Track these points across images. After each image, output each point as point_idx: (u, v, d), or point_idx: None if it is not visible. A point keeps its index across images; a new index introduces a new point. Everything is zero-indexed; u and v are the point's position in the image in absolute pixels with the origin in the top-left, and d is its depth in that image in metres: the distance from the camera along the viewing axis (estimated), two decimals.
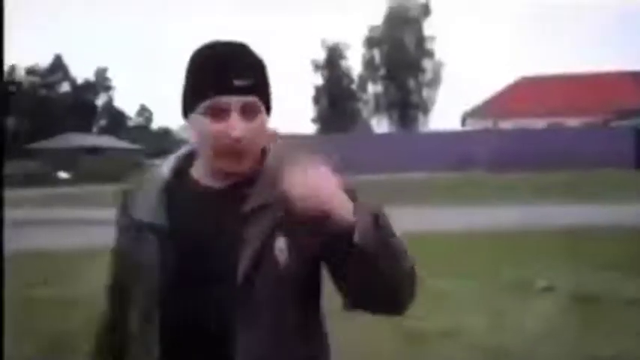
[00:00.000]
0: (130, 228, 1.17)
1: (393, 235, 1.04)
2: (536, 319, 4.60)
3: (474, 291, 5.52)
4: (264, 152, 1.18)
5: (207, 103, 1.10)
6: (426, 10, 48.83)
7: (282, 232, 1.10)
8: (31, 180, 29.34)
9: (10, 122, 55.50)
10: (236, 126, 1.08)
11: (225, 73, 1.09)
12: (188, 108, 1.14)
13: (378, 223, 1.01)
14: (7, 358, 3.74)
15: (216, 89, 1.09)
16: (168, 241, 1.11)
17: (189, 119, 1.15)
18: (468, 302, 5.14)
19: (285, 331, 1.10)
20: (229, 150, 1.10)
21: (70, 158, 33.93)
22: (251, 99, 1.10)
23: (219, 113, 1.09)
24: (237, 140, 1.08)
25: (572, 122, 32.43)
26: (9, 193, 21.76)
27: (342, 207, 0.99)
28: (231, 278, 1.08)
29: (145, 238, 1.13)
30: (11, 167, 31.83)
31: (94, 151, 37.29)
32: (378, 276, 1.02)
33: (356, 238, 0.98)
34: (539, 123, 32.66)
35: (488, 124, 34.91)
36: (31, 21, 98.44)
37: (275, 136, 1.23)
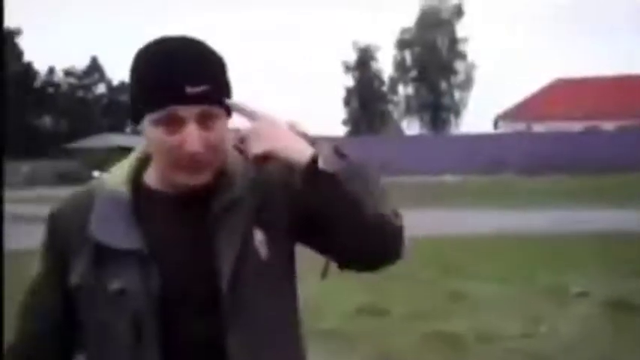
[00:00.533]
0: (87, 254, 1.03)
1: (361, 167, 1.00)
2: (571, 325, 4.52)
3: (509, 295, 5.46)
4: None
5: (159, 113, 0.98)
6: (458, 12, 48.42)
7: (258, 224, 1.04)
8: (67, 179, 30.02)
9: (48, 122, 56.91)
10: (193, 139, 0.97)
11: (177, 81, 0.97)
12: (138, 115, 1.03)
13: (339, 152, 0.99)
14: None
15: (169, 99, 0.97)
16: (148, 263, 1.01)
17: (140, 126, 1.04)
18: (503, 306, 5.09)
19: (273, 327, 1.06)
20: (187, 164, 0.99)
21: (104, 157, 34.59)
22: (207, 107, 0.98)
23: (173, 124, 0.98)
24: (195, 154, 0.98)
25: (608, 126, 31.76)
26: (45, 192, 22.29)
27: (297, 142, 1.00)
28: (214, 285, 1.00)
29: (122, 263, 1.01)
30: (48, 166, 32.64)
31: (127, 150, 37.86)
32: (357, 209, 0.96)
33: (320, 163, 0.95)
34: (574, 126, 32.06)
35: (521, 127, 34.42)
36: (69, 24, 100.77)
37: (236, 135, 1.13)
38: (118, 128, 57.04)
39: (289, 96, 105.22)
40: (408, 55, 50.11)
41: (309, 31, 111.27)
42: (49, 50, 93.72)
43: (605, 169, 23.07)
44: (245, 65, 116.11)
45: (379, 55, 51.68)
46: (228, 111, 1.04)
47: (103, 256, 1.02)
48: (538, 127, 33.23)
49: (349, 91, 50.98)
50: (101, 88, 62.83)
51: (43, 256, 1.10)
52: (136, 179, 1.08)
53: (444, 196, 15.22)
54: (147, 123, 1.01)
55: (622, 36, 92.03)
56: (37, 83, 56.03)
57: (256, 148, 1.00)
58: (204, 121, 0.99)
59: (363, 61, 50.77)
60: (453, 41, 48.92)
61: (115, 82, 63.56)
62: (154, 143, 1.02)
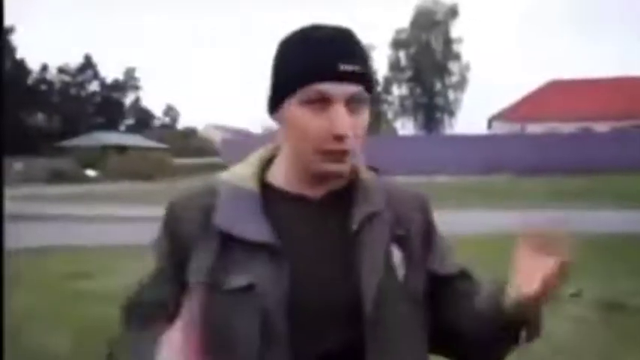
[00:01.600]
0: (213, 245, 0.96)
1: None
2: (563, 325, 4.53)
3: None
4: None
5: (306, 91, 0.92)
6: (453, 12, 48.53)
7: (396, 243, 1.01)
8: (59, 177, 29.87)
9: (41, 120, 56.64)
10: (343, 120, 0.91)
11: (331, 57, 0.91)
12: (279, 100, 0.97)
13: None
14: (39, 347, 3.82)
15: (320, 74, 0.91)
16: (281, 259, 0.94)
17: (277, 114, 0.99)
18: None
19: (406, 350, 1.00)
20: (332, 148, 0.93)
21: (97, 156, 34.46)
22: (358, 89, 0.93)
23: (320, 104, 0.92)
24: (341, 138, 0.92)
25: (602, 127, 31.90)
26: (37, 190, 22.26)
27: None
28: (354, 304, 0.94)
29: (248, 258, 0.94)
30: (41, 164, 32.47)
31: (121, 149, 37.80)
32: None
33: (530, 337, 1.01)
34: (568, 127, 32.19)
35: (515, 128, 34.52)
36: (63, 21, 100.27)
37: None
38: (111, 126, 56.90)
39: None
40: (402, 56, 50.19)
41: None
42: (42, 47, 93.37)
43: (599, 171, 23.19)
44: (240, 64, 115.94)
45: (374, 54, 51.68)
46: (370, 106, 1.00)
47: (230, 249, 0.95)
48: (532, 128, 33.33)
49: None
50: (94, 86, 62.61)
51: (159, 249, 1.05)
52: (260, 178, 1.03)
53: (437, 197, 15.20)
54: (290, 105, 0.94)
55: (617, 37, 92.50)
56: (30, 80, 55.73)
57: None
58: (353, 104, 0.94)
59: None
60: (448, 42, 49.04)
61: (109, 79, 63.40)
62: (298, 126, 0.94)
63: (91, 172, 32.46)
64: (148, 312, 1.03)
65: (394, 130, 49.08)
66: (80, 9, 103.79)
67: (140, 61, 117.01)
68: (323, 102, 0.92)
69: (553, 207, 13.41)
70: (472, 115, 77.31)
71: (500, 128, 35.33)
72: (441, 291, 1.08)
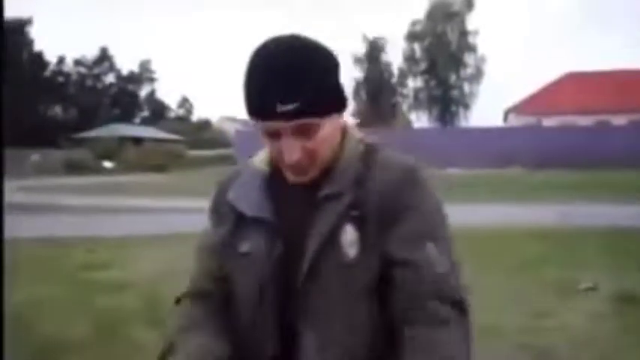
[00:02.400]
0: (231, 219, 1.16)
1: None
2: (578, 319, 4.51)
3: (516, 289, 5.45)
4: (342, 140, 1.14)
5: (259, 124, 1.05)
6: (469, 4, 48.09)
7: (353, 224, 1.06)
8: (76, 169, 30.15)
9: (58, 112, 57.11)
10: (289, 150, 1.03)
11: (269, 99, 1.00)
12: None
13: None
14: (57, 336, 3.88)
15: (261, 115, 1.03)
16: (274, 232, 1.11)
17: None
18: (509, 300, 5.08)
19: (343, 328, 1.05)
20: (289, 169, 1.08)
21: (113, 148, 34.71)
22: (302, 121, 1.01)
23: (272, 134, 1.05)
24: (293, 163, 1.05)
25: (619, 120, 31.50)
26: (54, 181, 22.41)
27: None
28: (299, 268, 1.06)
29: (252, 230, 1.12)
30: (58, 156, 32.78)
31: (136, 141, 38.04)
32: None
33: None
34: (584, 121, 31.83)
35: (531, 120, 34.21)
36: (80, 14, 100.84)
37: (348, 127, 1.18)
38: (126, 118, 57.30)
39: None
40: (417, 48, 49.86)
41: (319, 23, 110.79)
42: (59, 40, 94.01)
43: (616, 164, 22.92)
44: None
45: (389, 47, 51.48)
46: (338, 107, 1.08)
47: (241, 222, 1.14)
48: (548, 121, 33.01)
49: (358, 83, 50.83)
50: (110, 78, 63.04)
51: (209, 216, 1.25)
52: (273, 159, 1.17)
53: (452, 189, 15.17)
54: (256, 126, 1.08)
55: (634, 29, 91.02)
56: (47, 73, 56.20)
57: None
58: (302, 131, 1.03)
59: (373, 53, 50.57)
60: (463, 34, 48.62)
61: (125, 71, 63.79)
62: (266, 146, 1.12)
63: (107, 164, 32.74)
64: (202, 286, 1.21)
65: (409, 123, 48.87)
66: (97, 1, 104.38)
67: (155, 54, 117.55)
68: (274, 132, 1.04)
69: (567, 201, 13.30)
70: (488, 108, 76.81)
71: (516, 121, 35.05)
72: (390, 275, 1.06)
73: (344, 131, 1.16)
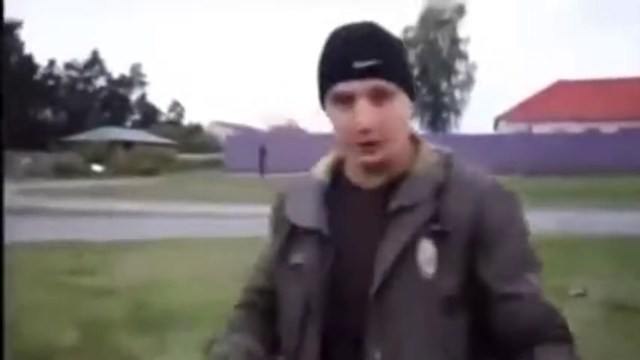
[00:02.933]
0: (285, 230, 1.11)
1: None
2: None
3: None
4: (416, 148, 1.10)
5: (332, 91, 1.01)
6: (460, 11, 48.37)
7: (432, 239, 0.99)
8: (66, 172, 29.97)
9: (48, 115, 56.84)
10: (362, 114, 0.98)
11: (344, 56, 0.99)
12: (321, 99, 1.07)
13: None
14: (44, 341, 3.83)
15: (337, 74, 0.99)
16: (327, 244, 1.05)
17: (326, 111, 1.08)
18: None
19: (422, 348, 0.97)
20: (359, 140, 1.00)
21: (104, 151, 34.55)
22: (378, 82, 0.98)
23: (346, 101, 1.00)
24: (366, 131, 0.99)
25: (608, 128, 31.77)
26: (43, 184, 22.28)
27: None
28: (366, 285, 1.00)
29: (304, 241, 1.08)
30: (48, 159, 32.59)
31: (127, 144, 37.90)
32: None
33: None
34: (575, 128, 32.06)
35: (521, 128, 34.40)
36: (70, 17, 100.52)
37: (417, 135, 1.13)
38: (117, 122, 57.05)
39: (290, 93, 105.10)
40: (409, 54, 50.08)
41: (310, 28, 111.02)
42: (49, 43, 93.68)
43: (606, 172, 23.09)
44: (247, 60, 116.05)
45: None
46: (410, 94, 1.05)
47: (294, 233, 1.09)
48: (538, 129, 33.22)
49: None
50: (101, 82, 62.78)
51: (269, 227, 1.21)
52: (337, 169, 1.14)
53: None
54: (328, 106, 1.04)
55: (626, 38, 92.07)
56: (37, 76, 55.91)
57: None
58: (378, 97, 0.99)
59: None
60: (455, 41, 48.87)
61: (116, 75, 63.56)
62: (333, 122, 1.05)
63: (97, 168, 32.57)
64: (249, 298, 1.23)
65: None
66: (87, 4, 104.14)
67: (147, 57, 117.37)
68: (349, 99, 0.99)
69: (557, 208, 13.37)
70: (478, 115, 77.17)
71: (507, 128, 35.23)
72: (493, 308, 0.99)
73: (415, 138, 1.11)
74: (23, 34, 55.44)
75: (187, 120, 68.33)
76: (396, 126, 1.02)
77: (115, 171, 31.39)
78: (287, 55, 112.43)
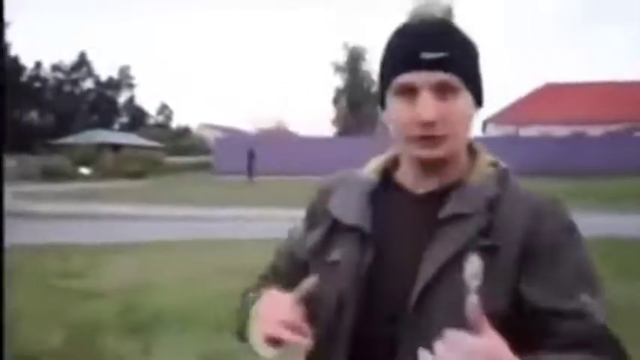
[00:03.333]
0: (325, 225, 1.07)
1: None
2: None
3: None
4: (472, 157, 1.06)
5: (395, 81, 0.98)
6: (449, 14, 48.52)
7: (480, 253, 0.93)
8: (53, 175, 29.74)
9: (35, 117, 56.37)
10: (425, 106, 0.94)
11: (412, 46, 0.96)
12: (384, 96, 1.03)
13: None
14: (34, 344, 3.81)
15: (403, 65, 0.96)
16: (368, 243, 1.01)
17: (385, 112, 1.05)
18: None
19: None
20: (421, 134, 0.96)
21: (91, 154, 34.33)
22: (445, 76, 0.95)
23: (408, 94, 0.97)
24: (428, 124, 0.95)
25: (595, 131, 32.06)
26: (30, 187, 22.09)
27: None
28: (406, 293, 0.95)
29: (346, 239, 1.03)
30: (34, 162, 32.31)
31: (115, 147, 37.68)
32: None
33: None
34: (562, 131, 32.33)
35: (509, 130, 34.62)
36: (57, 18, 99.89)
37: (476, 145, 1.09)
38: (105, 125, 56.70)
39: (278, 95, 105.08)
40: None
41: (299, 31, 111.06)
42: (36, 44, 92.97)
43: (592, 175, 23.30)
44: (236, 62, 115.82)
45: (369, 55, 51.76)
46: (479, 98, 1.02)
47: (335, 229, 1.06)
48: (525, 132, 33.45)
49: (339, 92, 51.03)
50: (89, 84, 62.41)
51: (303, 220, 1.17)
52: (388, 171, 1.11)
53: None
54: (389, 98, 1.01)
55: (613, 40, 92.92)
56: (24, 78, 55.46)
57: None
58: (442, 91, 0.96)
59: (353, 62, 50.82)
60: None
61: (103, 77, 63.22)
62: (394, 116, 1.01)
63: (84, 170, 32.34)
64: (269, 275, 1.18)
65: (389, 131, 48.95)
66: (75, 6, 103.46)
67: (135, 59, 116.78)
68: (412, 92, 0.96)
69: None
70: None
71: (494, 131, 35.44)
72: (534, 324, 0.92)
73: (473, 148, 1.08)
74: (9, 35, 54.93)
75: (176, 122, 68.23)
76: (460, 123, 0.98)
77: (102, 174, 31.19)
78: (276, 57, 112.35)
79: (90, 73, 61.97)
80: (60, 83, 59.98)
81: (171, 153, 42.48)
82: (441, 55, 0.95)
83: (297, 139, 33.69)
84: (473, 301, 0.80)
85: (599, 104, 34.84)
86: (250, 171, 26.26)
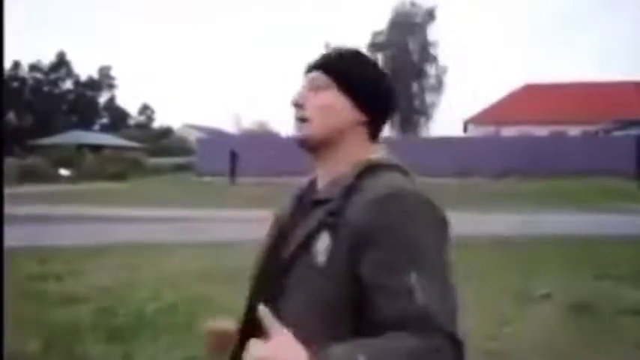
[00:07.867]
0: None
1: None
2: (532, 326, 4.60)
3: (473, 297, 5.53)
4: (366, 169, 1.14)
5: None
6: (430, 15, 48.89)
7: (328, 231, 1.06)
8: (31, 176, 29.34)
9: (12, 118, 55.56)
10: (297, 92, 1.21)
11: (311, 64, 1.24)
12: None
13: None
14: (10, 349, 3.74)
15: (306, 69, 1.25)
16: (274, 235, 1.23)
17: None
18: (467, 308, 5.16)
19: (316, 327, 1.02)
20: (295, 117, 1.20)
21: (71, 155, 33.92)
22: (315, 74, 1.20)
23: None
24: (296, 104, 1.19)
25: (574, 131, 32.47)
26: (9, 190, 21.77)
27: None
28: (279, 265, 1.14)
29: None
30: (13, 163, 31.85)
31: (95, 148, 37.29)
32: None
33: None
34: (541, 131, 32.70)
35: (490, 130, 34.93)
36: (36, 18, 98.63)
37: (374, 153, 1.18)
38: (85, 125, 56.10)
39: (259, 95, 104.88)
40: (380, 58, 50.38)
41: (281, 33, 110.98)
42: (14, 44, 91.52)
43: (571, 174, 23.61)
44: (216, 62, 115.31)
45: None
46: (362, 107, 1.18)
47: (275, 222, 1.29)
48: (506, 131, 33.77)
49: None
50: (68, 84, 61.70)
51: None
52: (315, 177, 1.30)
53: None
54: None
55: (590, 43, 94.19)
56: (2, 77, 54.65)
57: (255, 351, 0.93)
58: (314, 86, 1.19)
59: None
60: (425, 45, 49.35)
61: (83, 77, 62.53)
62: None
63: (64, 172, 31.95)
64: None
65: None
66: (54, 5, 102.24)
67: (115, 60, 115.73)
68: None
69: (522, 210, 13.60)
70: (449, 118, 78.06)
71: (476, 131, 35.72)
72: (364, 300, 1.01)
73: (372, 165, 1.14)
74: None
75: (158, 123, 67.66)
76: (323, 111, 1.17)
77: (82, 175, 30.86)
78: (259, 57, 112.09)
79: (69, 74, 61.27)
80: (39, 83, 59.22)
81: (153, 154, 42.16)
82: (318, 62, 1.22)
83: (280, 139, 33.62)
84: (263, 308, 0.95)
85: (577, 104, 35.31)
86: (232, 172, 26.14)
